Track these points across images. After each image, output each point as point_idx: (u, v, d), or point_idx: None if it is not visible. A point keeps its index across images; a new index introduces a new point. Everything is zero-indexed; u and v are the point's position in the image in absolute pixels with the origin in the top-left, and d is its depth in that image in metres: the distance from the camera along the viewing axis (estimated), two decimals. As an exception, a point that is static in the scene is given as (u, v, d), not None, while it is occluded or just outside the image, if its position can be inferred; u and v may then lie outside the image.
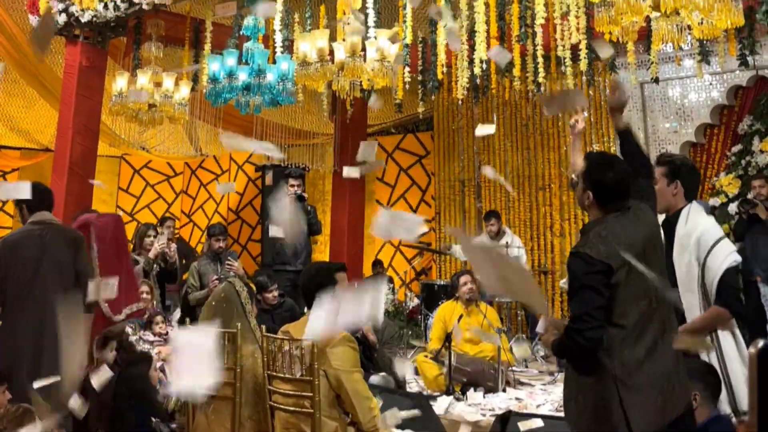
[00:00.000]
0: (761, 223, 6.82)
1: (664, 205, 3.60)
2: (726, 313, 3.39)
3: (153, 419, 4.17)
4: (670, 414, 2.76)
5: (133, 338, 5.70)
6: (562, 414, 5.08)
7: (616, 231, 2.82)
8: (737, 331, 3.49)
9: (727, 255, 3.41)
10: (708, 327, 3.40)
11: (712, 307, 3.39)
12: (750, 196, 7.19)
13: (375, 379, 4.90)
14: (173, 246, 6.99)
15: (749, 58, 6.92)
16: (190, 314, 5.87)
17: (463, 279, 6.68)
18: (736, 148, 8.41)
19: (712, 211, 7.59)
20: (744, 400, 3.35)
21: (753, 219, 6.91)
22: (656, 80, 7.53)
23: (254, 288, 5.97)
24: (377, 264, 10.59)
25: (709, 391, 3.30)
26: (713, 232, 3.46)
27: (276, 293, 6.42)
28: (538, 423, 4.25)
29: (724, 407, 3.38)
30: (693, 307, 3.40)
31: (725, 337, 3.44)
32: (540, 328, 3.15)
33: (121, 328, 5.44)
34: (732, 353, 3.42)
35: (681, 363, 2.89)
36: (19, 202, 4.69)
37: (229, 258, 6.61)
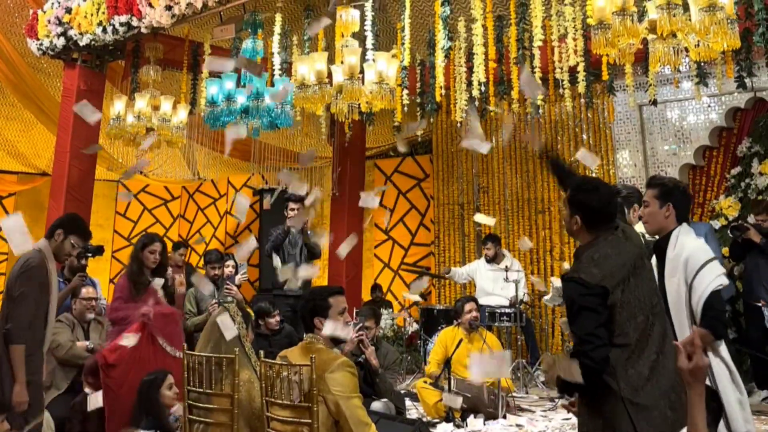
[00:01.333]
0: (757, 246, 6.79)
1: (656, 227, 3.60)
2: (708, 336, 3.34)
3: None
4: (681, 425, 2.68)
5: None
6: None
7: (608, 253, 2.85)
8: (726, 355, 3.45)
9: (714, 278, 3.39)
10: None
11: (697, 329, 3.35)
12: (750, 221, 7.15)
13: (376, 405, 4.82)
14: (169, 269, 6.92)
15: (747, 80, 6.89)
16: (188, 340, 5.80)
17: (468, 306, 6.64)
18: (735, 171, 8.39)
19: (714, 232, 7.55)
20: (738, 422, 3.30)
21: (747, 243, 6.88)
22: (654, 102, 7.51)
23: (252, 314, 5.92)
24: (376, 288, 10.52)
25: (711, 417, 3.23)
26: (701, 255, 3.45)
27: (278, 318, 6.36)
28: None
29: (722, 428, 3.32)
30: (684, 328, 3.37)
31: (715, 361, 3.39)
32: (545, 366, 3.15)
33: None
34: (724, 377, 3.38)
35: None
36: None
37: (228, 282, 6.55)
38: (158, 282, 5.26)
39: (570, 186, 3.06)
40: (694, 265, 3.40)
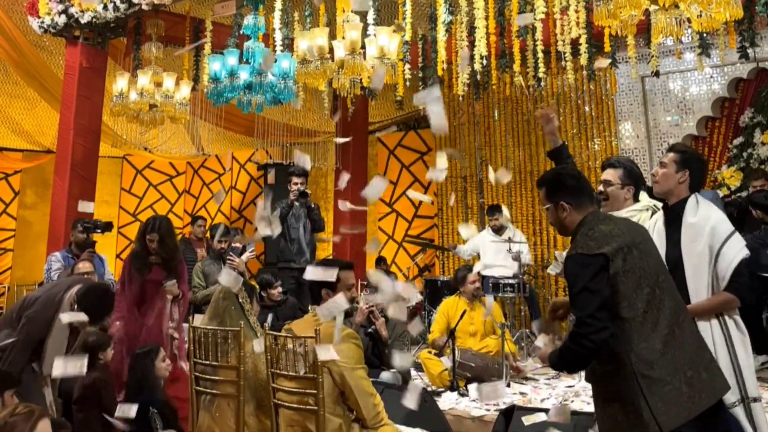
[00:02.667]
0: (755, 220, 6.79)
1: (666, 189, 3.64)
2: (736, 301, 3.43)
3: (151, 408, 4.21)
4: (701, 404, 2.73)
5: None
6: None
7: (600, 227, 2.90)
8: (740, 320, 3.51)
9: (741, 248, 3.46)
10: (713, 310, 3.44)
11: (722, 293, 3.42)
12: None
13: (385, 375, 4.92)
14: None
15: (749, 51, 6.90)
16: (198, 313, 5.88)
17: (471, 277, 6.70)
18: (737, 141, 8.41)
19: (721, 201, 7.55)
20: (752, 387, 3.36)
21: (741, 216, 6.89)
22: (657, 74, 7.52)
23: (257, 286, 5.99)
24: (380, 261, 10.59)
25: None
26: (727, 226, 3.50)
27: (280, 290, 6.42)
28: (542, 417, 4.25)
29: (730, 395, 3.37)
30: (700, 291, 3.42)
31: (732, 326, 3.46)
32: (539, 343, 3.18)
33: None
34: (738, 341, 3.44)
35: (706, 351, 2.91)
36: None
37: (230, 253, 6.61)
38: (170, 284, 5.27)
39: (542, 184, 3.14)
40: (721, 235, 3.44)
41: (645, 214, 3.88)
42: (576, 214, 3.00)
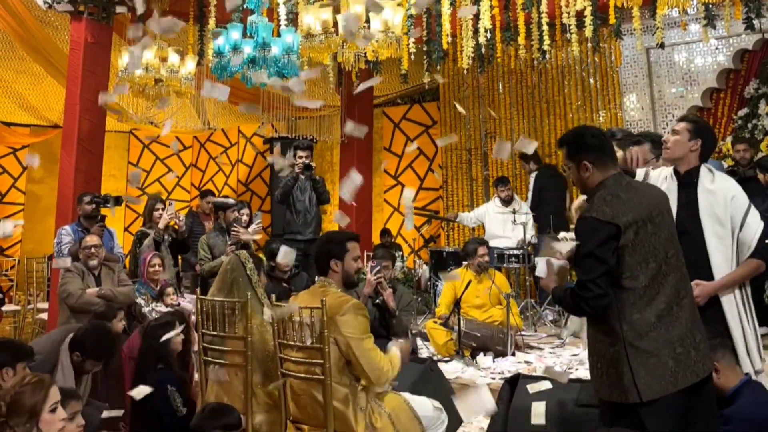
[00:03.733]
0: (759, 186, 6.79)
1: (677, 155, 3.68)
2: (763, 265, 3.53)
3: (169, 387, 4.26)
4: (684, 380, 2.78)
5: (145, 309, 5.81)
6: (570, 376, 5.20)
7: (618, 194, 2.90)
8: (749, 291, 3.59)
9: (759, 219, 3.56)
10: (748, 277, 3.55)
11: (752, 260, 3.51)
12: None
13: (393, 345, 5.01)
14: (181, 216, 7.07)
15: (755, 22, 6.87)
16: (205, 285, 5.96)
17: (481, 250, 6.75)
18: (742, 112, 8.42)
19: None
20: (756, 355, 3.45)
21: (741, 184, 6.89)
22: (662, 45, 7.50)
23: (263, 259, 6.06)
24: (385, 233, 10.67)
25: (728, 357, 3.33)
26: (745, 198, 3.59)
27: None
28: (547, 385, 4.30)
29: (751, 366, 3.45)
30: (727, 257, 3.50)
31: (739, 296, 3.53)
32: (540, 271, 3.18)
33: (124, 301, 5.56)
34: (742, 311, 3.52)
35: (699, 331, 2.92)
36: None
37: (234, 225, 6.67)
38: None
39: (564, 143, 3.12)
40: (742, 205, 3.54)
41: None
42: (598, 173, 2.99)
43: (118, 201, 6.49)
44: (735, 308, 3.46)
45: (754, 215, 3.54)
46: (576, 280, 2.91)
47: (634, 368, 2.75)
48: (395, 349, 3.81)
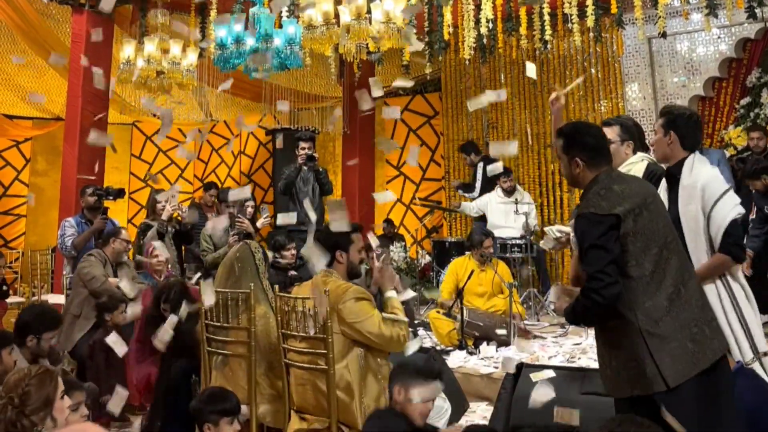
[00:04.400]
0: None
1: (660, 154, 3.70)
2: (729, 261, 3.47)
3: (193, 376, 4.28)
4: (705, 360, 2.78)
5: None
6: (573, 365, 5.22)
7: (612, 187, 2.90)
8: (742, 279, 3.58)
9: (732, 208, 3.48)
10: (712, 273, 3.49)
11: (716, 255, 3.48)
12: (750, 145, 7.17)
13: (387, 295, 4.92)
14: (184, 207, 7.09)
15: (757, 11, 6.86)
16: (209, 276, 5.97)
17: (487, 242, 6.78)
18: (744, 101, 8.42)
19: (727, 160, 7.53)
20: (761, 342, 3.44)
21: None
22: (664, 35, 7.48)
23: (269, 253, 6.07)
24: (389, 224, 10.69)
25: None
26: (717, 185, 3.52)
27: (294, 252, 6.51)
28: (550, 374, 4.32)
29: (747, 352, 3.45)
30: (700, 254, 3.48)
31: (735, 285, 3.52)
32: (552, 297, 3.23)
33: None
34: (743, 301, 3.51)
35: (709, 309, 2.96)
36: None
37: (239, 216, 6.69)
38: None
39: (562, 134, 3.11)
40: (711, 195, 3.48)
41: (640, 165, 3.94)
42: (588, 172, 3.00)
43: (120, 194, 6.53)
44: (717, 299, 3.45)
45: (724, 205, 3.47)
46: (585, 276, 2.87)
47: (656, 356, 2.74)
48: (390, 294, 3.84)
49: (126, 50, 7.50)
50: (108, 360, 4.74)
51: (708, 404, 2.80)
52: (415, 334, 5.66)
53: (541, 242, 4.61)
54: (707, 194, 3.48)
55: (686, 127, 3.67)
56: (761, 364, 3.41)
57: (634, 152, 4.03)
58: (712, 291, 3.42)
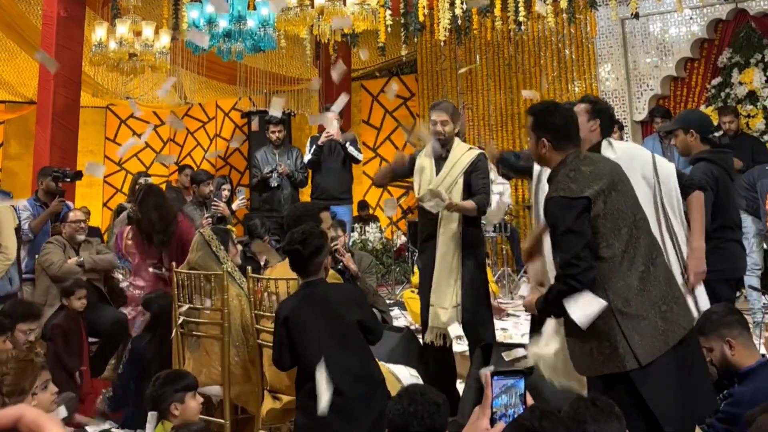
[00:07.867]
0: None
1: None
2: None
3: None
4: (674, 336, 2.83)
5: (123, 284, 5.84)
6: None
7: (581, 168, 2.91)
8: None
9: (668, 162, 3.74)
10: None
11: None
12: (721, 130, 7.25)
13: None
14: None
15: (729, -9, 6.94)
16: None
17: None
18: (716, 81, 8.51)
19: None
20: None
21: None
22: (636, 16, 7.55)
23: (233, 230, 6.06)
24: (364, 206, 10.71)
25: (744, 334, 3.27)
26: (645, 151, 3.79)
27: (267, 238, 6.52)
28: (522, 353, 4.35)
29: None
30: (652, 220, 3.50)
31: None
32: (524, 291, 3.25)
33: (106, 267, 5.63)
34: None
35: (675, 285, 3.01)
36: None
37: (214, 200, 6.68)
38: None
39: (531, 112, 3.12)
40: (646, 157, 3.71)
41: None
42: (554, 153, 2.99)
43: (77, 176, 6.40)
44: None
45: (661, 163, 3.68)
46: (558, 262, 2.88)
47: (628, 335, 2.77)
48: None
49: (98, 32, 7.43)
50: (67, 343, 4.79)
51: (683, 378, 2.85)
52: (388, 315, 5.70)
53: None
54: (642, 161, 3.69)
55: (609, 123, 3.88)
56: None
57: (603, 132, 4.08)
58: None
